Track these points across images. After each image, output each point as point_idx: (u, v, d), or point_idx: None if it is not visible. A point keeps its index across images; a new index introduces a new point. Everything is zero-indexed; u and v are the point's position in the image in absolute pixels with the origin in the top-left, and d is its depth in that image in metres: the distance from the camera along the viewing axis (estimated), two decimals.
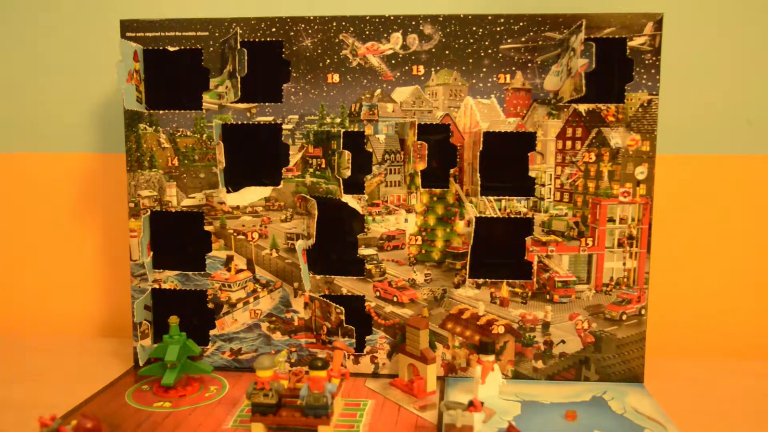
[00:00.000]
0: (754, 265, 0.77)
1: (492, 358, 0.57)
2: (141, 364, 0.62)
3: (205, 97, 0.61)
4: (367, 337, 0.63)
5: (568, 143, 0.59)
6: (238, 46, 0.59)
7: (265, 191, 0.63)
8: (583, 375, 0.61)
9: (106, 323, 0.83)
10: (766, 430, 0.54)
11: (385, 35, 0.59)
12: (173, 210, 0.63)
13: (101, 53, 0.80)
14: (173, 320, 0.59)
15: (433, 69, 0.59)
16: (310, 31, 0.59)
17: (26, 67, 0.83)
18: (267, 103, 0.61)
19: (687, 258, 0.77)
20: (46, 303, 0.86)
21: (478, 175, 0.60)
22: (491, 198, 0.60)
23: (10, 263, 0.87)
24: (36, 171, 0.84)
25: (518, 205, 0.60)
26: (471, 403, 0.48)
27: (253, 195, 0.63)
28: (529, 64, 0.58)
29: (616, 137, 0.59)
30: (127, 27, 0.61)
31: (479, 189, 0.60)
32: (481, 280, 0.61)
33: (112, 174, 0.78)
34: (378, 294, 0.62)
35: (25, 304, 0.87)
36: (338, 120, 0.61)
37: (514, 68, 0.59)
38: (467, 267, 0.61)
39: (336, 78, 0.60)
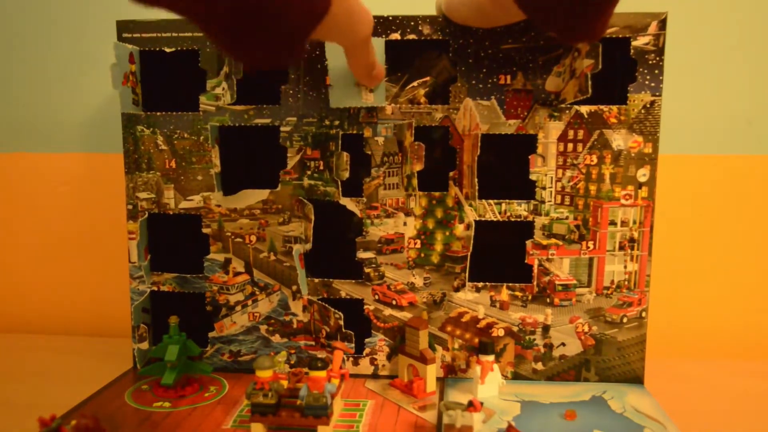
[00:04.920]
0: (754, 265, 0.80)
1: (491, 358, 0.61)
2: (139, 367, 0.66)
3: (202, 98, 0.64)
4: (366, 340, 0.66)
5: (570, 145, 0.62)
6: None
7: (263, 194, 0.65)
8: (582, 377, 0.64)
9: (106, 323, 0.86)
10: (766, 431, 0.57)
11: (384, 36, 0.61)
12: (171, 212, 0.66)
13: (100, 53, 0.83)
14: (173, 320, 0.62)
15: None
16: None
17: (25, 67, 0.86)
18: (264, 105, 0.64)
19: (687, 258, 0.80)
20: (46, 303, 0.90)
21: (476, 179, 0.62)
22: (491, 201, 0.63)
23: (10, 263, 0.90)
24: (35, 171, 0.87)
25: (519, 209, 0.63)
26: (470, 404, 0.51)
27: (249, 198, 0.66)
28: (530, 65, 0.60)
29: (618, 139, 0.61)
30: (124, 27, 0.63)
31: (477, 192, 0.62)
32: (480, 284, 0.64)
33: (112, 174, 0.81)
34: (377, 297, 0.65)
35: (25, 304, 0.90)
36: (337, 122, 0.63)
37: (515, 69, 0.61)
38: (467, 271, 0.64)
39: None
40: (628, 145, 0.61)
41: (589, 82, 0.57)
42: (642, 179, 0.62)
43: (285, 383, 0.53)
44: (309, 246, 0.65)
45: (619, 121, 0.61)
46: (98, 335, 0.83)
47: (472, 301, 0.65)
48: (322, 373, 0.52)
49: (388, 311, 0.65)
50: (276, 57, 0.39)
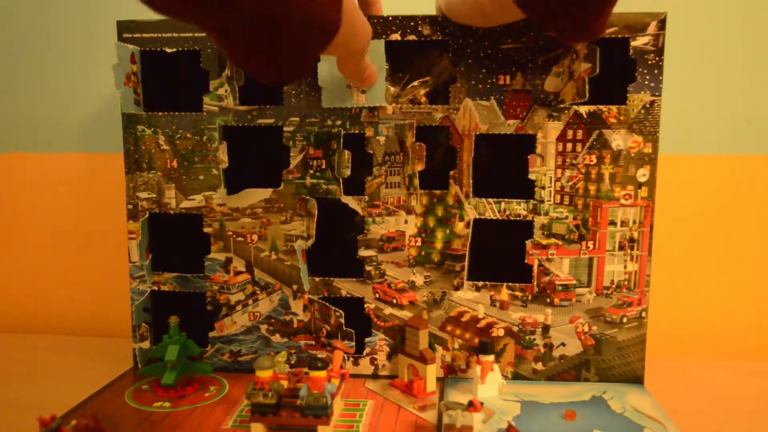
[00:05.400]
0: (754, 265, 0.80)
1: (491, 358, 0.61)
2: (140, 366, 0.66)
3: (206, 99, 0.64)
4: (367, 339, 0.66)
5: (569, 145, 0.62)
6: None
7: (266, 193, 0.66)
8: (582, 377, 0.65)
9: (106, 323, 0.87)
10: (766, 430, 0.58)
11: (384, 36, 0.61)
12: (172, 212, 0.67)
13: (100, 53, 0.83)
14: (173, 320, 0.62)
15: None
16: None
17: (25, 67, 0.86)
18: (268, 106, 0.64)
19: (687, 258, 0.81)
20: (46, 303, 0.90)
21: (471, 180, 0.63)
22: (491, 200, 0.63)
23: (10, 263, 0.90)
24: (35, 171, 0.88)
25: (518, 208, 0.63)
26: (470, 404, 0.52)
27: (252, 197, 0.66)
28: (530, 65, 0.61)
29: (618, 139, 0.62)
30: (124, 27, 0.64)
31: (471, 190, 0.63)
32: (480, 283, 0.65)
33: (112, 174, 0.82)
34: (377, 296, 0.66)
35: (25, 304, 0.90)
36: (339, 122, 0.64)
37: (514, 69, 0.61)
38: (465, 269, 0.64)
39: None
40: (628, 145, 0.62)
41: (587, 87, 0.57)
42: (642, 179, 0.62)
43: (285, 383, 0.54)
44: (312, 241, 0.66)
45: (619, 121, 0.61)
46: (98, 335, 0.84)
47: (472, 300, 0.65)
48: (322, 373, 0.52)
49: (388, 310, 0.66)
50: (284, 74, 0.41)
